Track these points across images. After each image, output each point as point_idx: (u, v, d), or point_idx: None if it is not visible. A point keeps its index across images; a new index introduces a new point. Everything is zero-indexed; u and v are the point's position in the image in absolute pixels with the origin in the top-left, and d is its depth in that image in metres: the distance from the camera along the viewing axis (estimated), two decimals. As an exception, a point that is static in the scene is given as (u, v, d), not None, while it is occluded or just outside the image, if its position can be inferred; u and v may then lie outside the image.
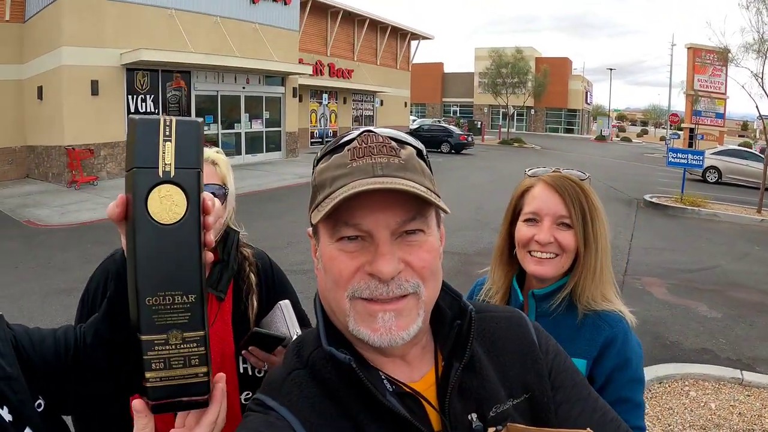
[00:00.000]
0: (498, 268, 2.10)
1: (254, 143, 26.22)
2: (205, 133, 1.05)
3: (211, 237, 1.03)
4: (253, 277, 2.04)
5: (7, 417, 1.16)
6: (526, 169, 2.07)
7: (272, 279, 2.14)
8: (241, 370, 1.95)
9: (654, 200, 18.13)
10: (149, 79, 20.87)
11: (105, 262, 1.97)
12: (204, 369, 0.97)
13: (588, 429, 0.95)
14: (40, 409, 1.25)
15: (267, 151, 26.96)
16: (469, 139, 36.81)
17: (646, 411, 5.07)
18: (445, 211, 1.04)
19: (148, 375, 0.95)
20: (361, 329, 1.02)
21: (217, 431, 1.07)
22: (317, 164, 1.11)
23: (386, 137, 1.06)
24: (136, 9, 20.10)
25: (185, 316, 0.95)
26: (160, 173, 0.93)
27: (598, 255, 1.87)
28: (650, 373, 5.81)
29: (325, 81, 34.00)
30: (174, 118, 0.96)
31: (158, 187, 0.93)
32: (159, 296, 0.93)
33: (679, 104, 62.80)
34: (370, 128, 1.08)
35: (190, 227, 0.95)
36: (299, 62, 28.13)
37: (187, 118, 0.98)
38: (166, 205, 0.94)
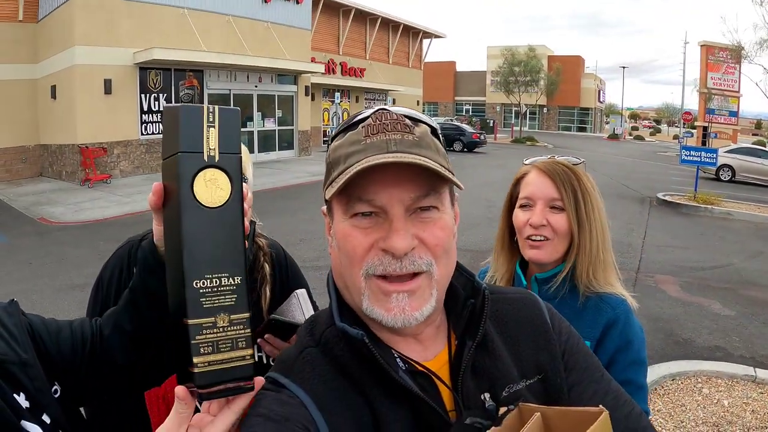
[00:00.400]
0: (500, 255, 2.14)
1: (267, 142, 26.27)
2: None
3: (247, 223, 1.04)
4: (267, 267, 2.03)
5: (24, 404, 1.15)
6: (524, 159, 2.13)
7: (286, 270, 2.14)
8: (256, 359, 1.95)
9: (667, 198, 18.01)
10: (162, 78, 20.94)
11: (119, 250, 1.96)
12: (250, 351, 0.97)
13: (600, 406, 0.93)
14: (56, 395, 1.25)
15: (279, 150, 27.00)
16: (482, 137, 36.76)
17: (659, 408, 5.07)
18: (459, 187, 1.04)
19: (196, 360, 0.93)
20: (375, 309, 1.02)
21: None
22: (332, 142, 1.11)
23: (400, 115, 1.06)
24: (148, 8, 20.16)
25: (232, 298, 0.95)
26: (206, 158, 0.95)
27: (593, 236, 1.91)
28: (663, 369, 5.79)
29: (337, 80, 34.04)
30: (216, 106, 0.98)
31: (204, 171, 0.95)
32: (207, 279, 0.94)
33: (693, 102, 62.35)
34: (385, 106, 1.08)
35: (234, 210, 0.97)
36: (311, 61, 28.14)
37: (228, 107, 1.00)
38: (212, 188, 0.95)
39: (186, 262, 0.93)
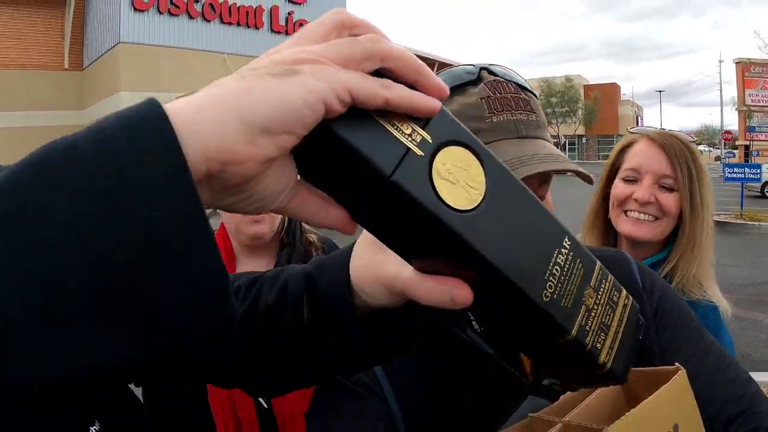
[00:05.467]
0: (590, 232, 1.88)
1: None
2: None
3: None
4: None
5: None
6: (629, 128, 1.91)
7: None
8: None
9: (713, 219, 17.51)
10: (204, 122, 21.28)
11: None
12: None
13: (676, 364, 0.81)
14: None
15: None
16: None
17: None
18: (588, 178, 0.98)
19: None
20: None
21: None
22: None
23: (513, 84, 0.93)
24: (189, 54, 20.75)
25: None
26: None
27: (704, 225, 1.68)
28: (716, 381, 5.67)
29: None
30: None
31: None
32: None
33: (733, 122, 61.22)
34: (486, 66, 0.95)
35: None
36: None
37: None
38: None
39: None
